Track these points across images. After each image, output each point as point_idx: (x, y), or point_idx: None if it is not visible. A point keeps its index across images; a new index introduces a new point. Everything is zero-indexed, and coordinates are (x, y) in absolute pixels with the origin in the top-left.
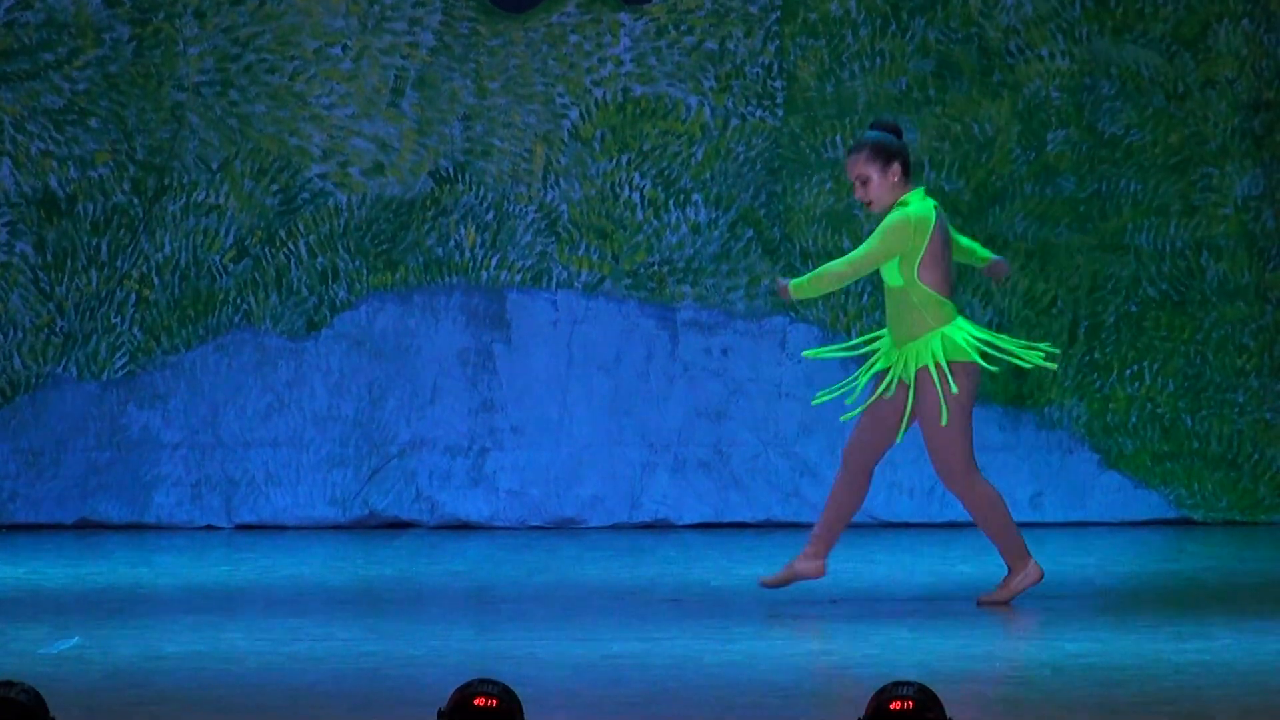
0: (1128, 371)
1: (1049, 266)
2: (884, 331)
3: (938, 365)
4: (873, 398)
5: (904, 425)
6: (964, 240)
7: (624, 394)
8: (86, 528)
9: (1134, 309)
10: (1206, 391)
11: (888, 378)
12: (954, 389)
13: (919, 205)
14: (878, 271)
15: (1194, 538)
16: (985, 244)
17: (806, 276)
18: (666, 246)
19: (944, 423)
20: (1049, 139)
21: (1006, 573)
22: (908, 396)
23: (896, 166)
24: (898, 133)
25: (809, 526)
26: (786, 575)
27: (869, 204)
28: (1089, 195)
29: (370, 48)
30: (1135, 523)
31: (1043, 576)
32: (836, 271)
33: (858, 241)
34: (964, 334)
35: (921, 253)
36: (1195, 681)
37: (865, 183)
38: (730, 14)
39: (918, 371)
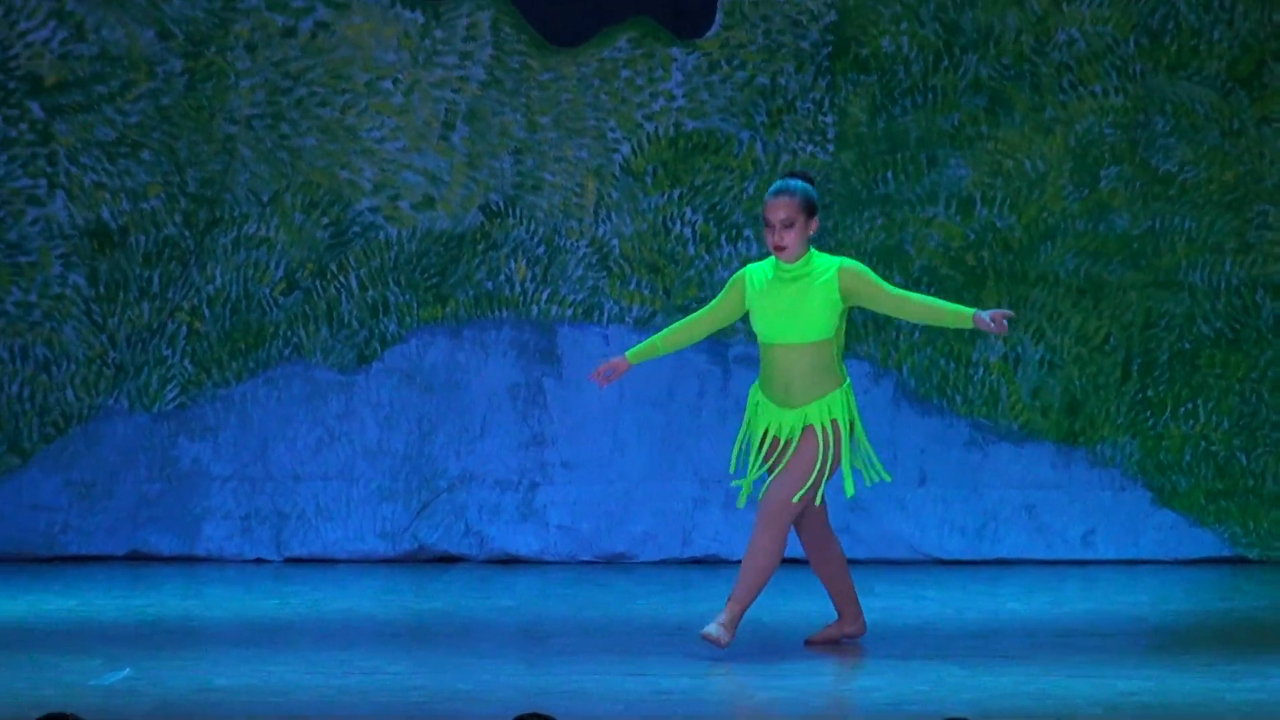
0: (1181, 409)
1: (1102, 303)
2: (760, 400)
3: (835, 426)
4: (780, 465)
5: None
6: None
7: (675, 429)
8: (137, 560)
9: (1188, 346)
10: (1262, 429)
11: (782, 441)
12: (844, 453)
13: None
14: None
15: (1248, 576)
16: (1037, 281)
17: (939, 302)
18: (718, 281)
19: (812, 480)
20: (1102, 175)
21: (727, 613)
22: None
23: (815, 222)
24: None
25: (859, 563)
26: (833, 634)
27: (783, 249)
28: (1142, 232)
29: (421, 81)
30: (1189, 561)
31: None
32: (921, 299)
33: (908, 277)
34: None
35: (848, 304)
36: None
37: (790, 226)
38: (782, 49)
39: (820, 426)
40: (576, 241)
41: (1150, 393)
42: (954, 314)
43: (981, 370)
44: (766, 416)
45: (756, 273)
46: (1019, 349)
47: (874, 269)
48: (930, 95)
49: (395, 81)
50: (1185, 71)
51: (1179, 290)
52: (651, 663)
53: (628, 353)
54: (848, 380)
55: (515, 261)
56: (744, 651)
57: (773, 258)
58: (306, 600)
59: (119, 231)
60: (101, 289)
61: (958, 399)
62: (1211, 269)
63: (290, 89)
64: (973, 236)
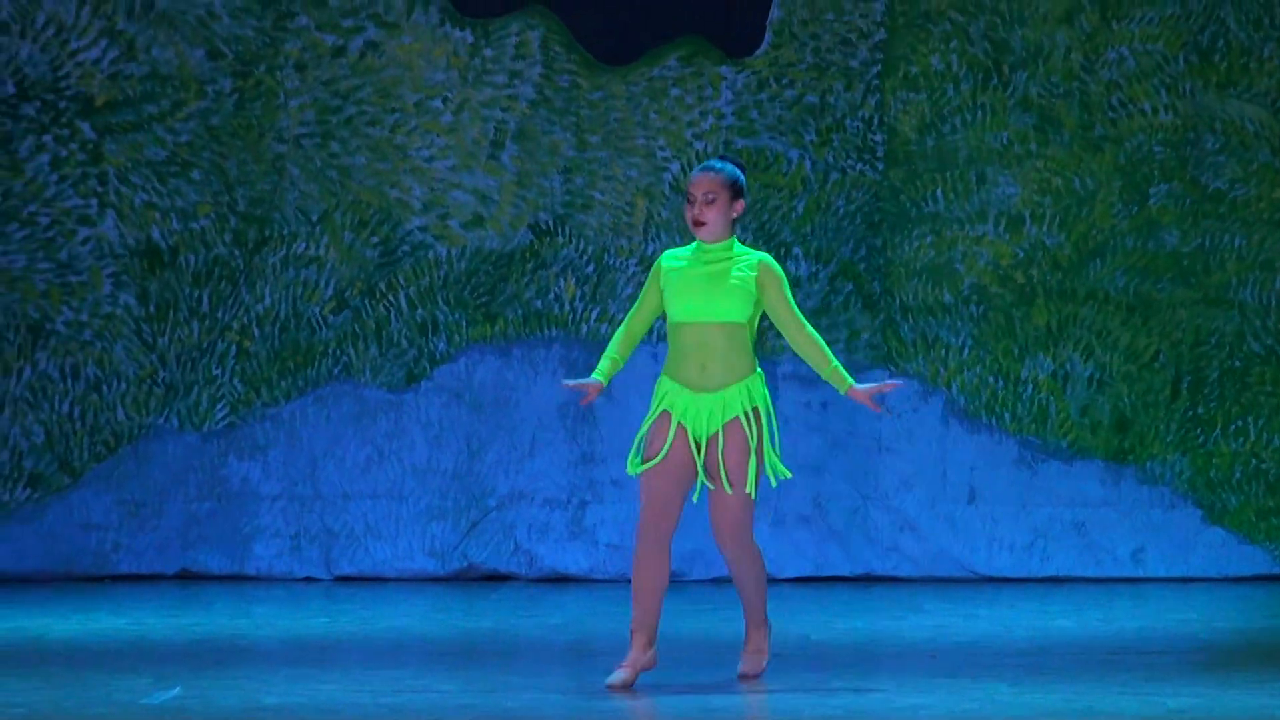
0: (1232, 426)
1: (1151, 321)
2: (671, 388)
3: (757, 413)
4: (720, 474)
5: (721, 474)
6: None
7: None
8: (187, 578)
9: (1238, 364)
10: None
11: (693, 434)
12: (764, 443)
13: None
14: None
15: None
16: (1086, 299)
17: (832, 359)
18: None
19: (754, 474)
20: (1151, 193)
21: (747, 638)
22: (699, 448)
23: (740, 204)
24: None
25: (908, 581)
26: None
27: (701, 224)
28: (1192, 249)
29: (470, 100)
30: (1239, 578)
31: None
32: (818, 340)
33: (957, 295)
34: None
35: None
36: None
37: (711, 202)
38: (831, 68)
39: (743, 413)
40: (626, 260)
41: (1200, 410)
42: (833, 371)
43: (1030, 388)
44: (679, 404)
45: (671, 257)
46: (1068, 366)
47: (924, 287)
48: (979, 113)
49: (445, 100)
50: (1235, 89)
51: (1229, 308)
52: (701, 680)
53: (595, 374)
54: (761, 372)
55: (564, 280)
56: (793, 668)
57: (695, 242)
58: (356, 619)
59: (169, 251)
60: (152, 308)
61: (1007, 417)
62: (1262, 286)
63: (340, 108)
64: (1022, 254)
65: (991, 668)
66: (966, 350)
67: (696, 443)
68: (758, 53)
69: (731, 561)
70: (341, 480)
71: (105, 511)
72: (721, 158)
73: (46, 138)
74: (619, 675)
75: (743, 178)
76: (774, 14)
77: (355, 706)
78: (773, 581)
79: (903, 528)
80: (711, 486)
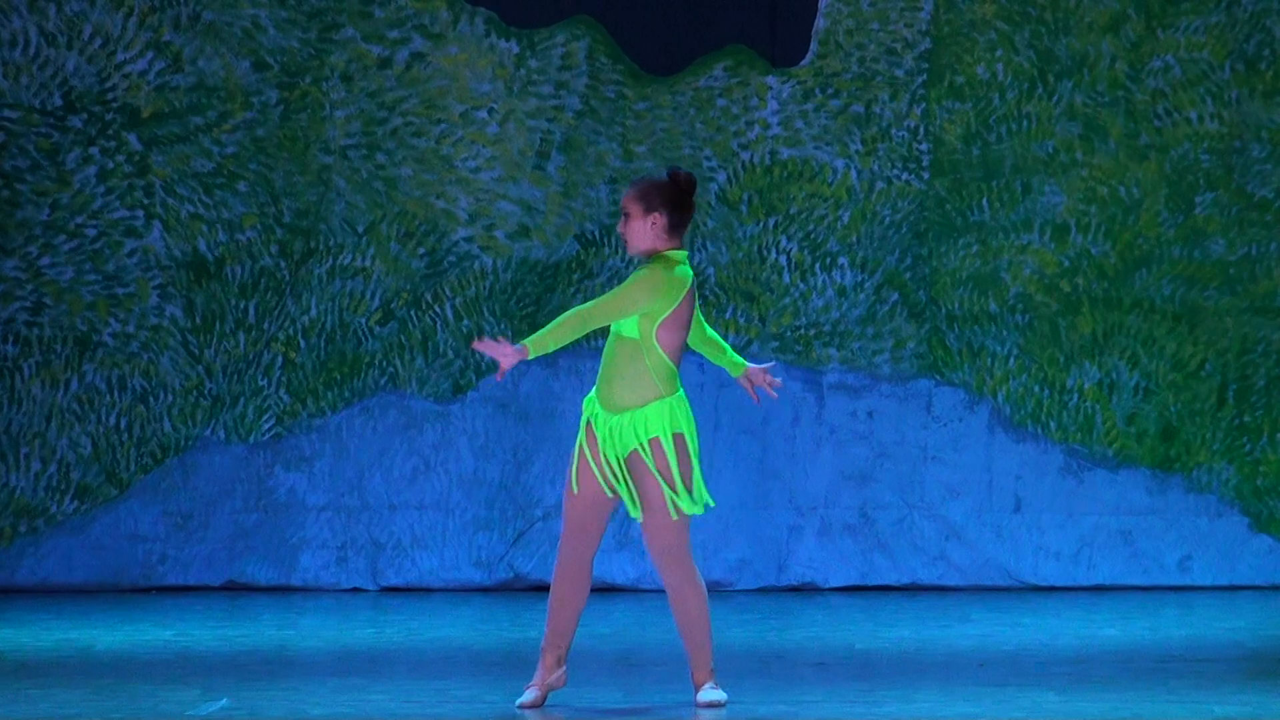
0: (1279, 435)
1: (1197, 330)
2: (590, 400)
3: (674, 436)
4: (632, 503)
5: (631, 500)
6: (710, 330)
7: (770, 457)
8: (234, 590)
9: None
10: None
11: (604, 451)
12: (684, 462)
13: (680, 268)
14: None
15: None
16: (1132, 308)
17: (543, 331)
18: (813, 310)
19: (676, 503)
20: (1197, 201)
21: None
22: (618, 471)
23: (659, 216)
24: (689, 187)
25: (955, 590)
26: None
27: (626, 242)
28: (1239, 258)
29: (516, 111)
30: None
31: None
32: (571, 320)
33: (1003, 304)
34: (687, 407)
35: (666, 314)
36: None
37: (625, 218)
38: (876, 77)
39: (647, 443)
40: None
41: (1247, 418)
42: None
43: (1076, 397)
44: (598, 420)
45: None
46: (1114, 375)
47: (970, 296)
48: (1025, 122)
49: (490, 111)
50: None
51: (1276, 316)
52: (747, 689)
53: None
54: (677, 393)
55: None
56: (839, 677)
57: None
58: (402, 630)
59: (215, 263)
60: (198, 320)
61: (1052, 425)
62: None
63: (386, 119)
64: (1068, 263)
65: (1038, 676)
66: (1012, 359)
67: (616, 460)
68: (803, 62)
69: (667, 589)
70: (388, 491)
71: (152, 523)
72: (669, 171)
73: (93, 149)
74: (529, 695)
75: (665, 184)
76: (819, 24)
77: (402, 717)
78: (819, 590)
79: (949, 536)
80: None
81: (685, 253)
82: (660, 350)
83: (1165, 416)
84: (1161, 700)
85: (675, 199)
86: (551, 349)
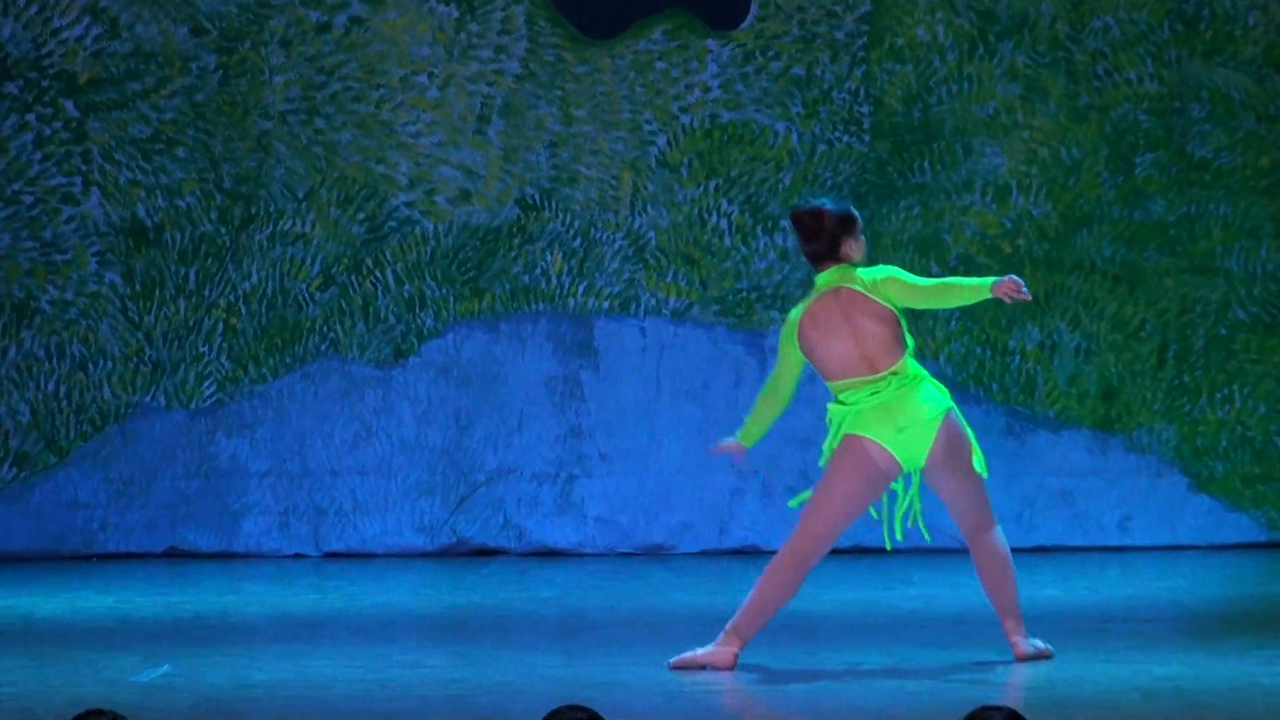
0: (1218, 395)
1: (1138, 290)
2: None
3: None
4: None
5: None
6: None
7: (712, 420)
8: (176, 556)
9: (1224, 332)
10: None
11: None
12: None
13: (797, 307)
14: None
15: None
16: (1073, 269)
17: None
18: (754, 273)
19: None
20: (1137, 162)
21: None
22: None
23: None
24: (793, 220)
25: (897, 552)
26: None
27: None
28: (1178, 218)
29: (456, 75)
30: (1226, 546)
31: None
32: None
33: (945, 266)
34: (844, 412)
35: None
36: None
37: None
38: (817, 40)
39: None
40: (613, 234)
41: (1186, 379)
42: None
43: (1018, 358)
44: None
45: None
46: (1055, 336)
47: (912, 258)
48: (966, 84)
49: (430, 76)
50: (1220, 57)
51: (1215, 276)
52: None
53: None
54: (834, 400)
55: (551, 255)
56: (782, 640)
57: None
58: (345, 595)
59: (154, 229)
60: (138, 286)
61: (994, 387)
62: (1247, 254)
63: (325, 84)
64: (1009, 224)
65: (980, 638)
66: (954, 321)
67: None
68: (743, 25)
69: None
70: (330, 457)
71: (93, 490)
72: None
73: (30, 116)
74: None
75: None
76: None
77: (344, 682)
78: (761, 553)
79: (891, 499)
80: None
81: (821, 275)
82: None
83: (1106, 377)
84: (1102, 660)
85: (800, 236)
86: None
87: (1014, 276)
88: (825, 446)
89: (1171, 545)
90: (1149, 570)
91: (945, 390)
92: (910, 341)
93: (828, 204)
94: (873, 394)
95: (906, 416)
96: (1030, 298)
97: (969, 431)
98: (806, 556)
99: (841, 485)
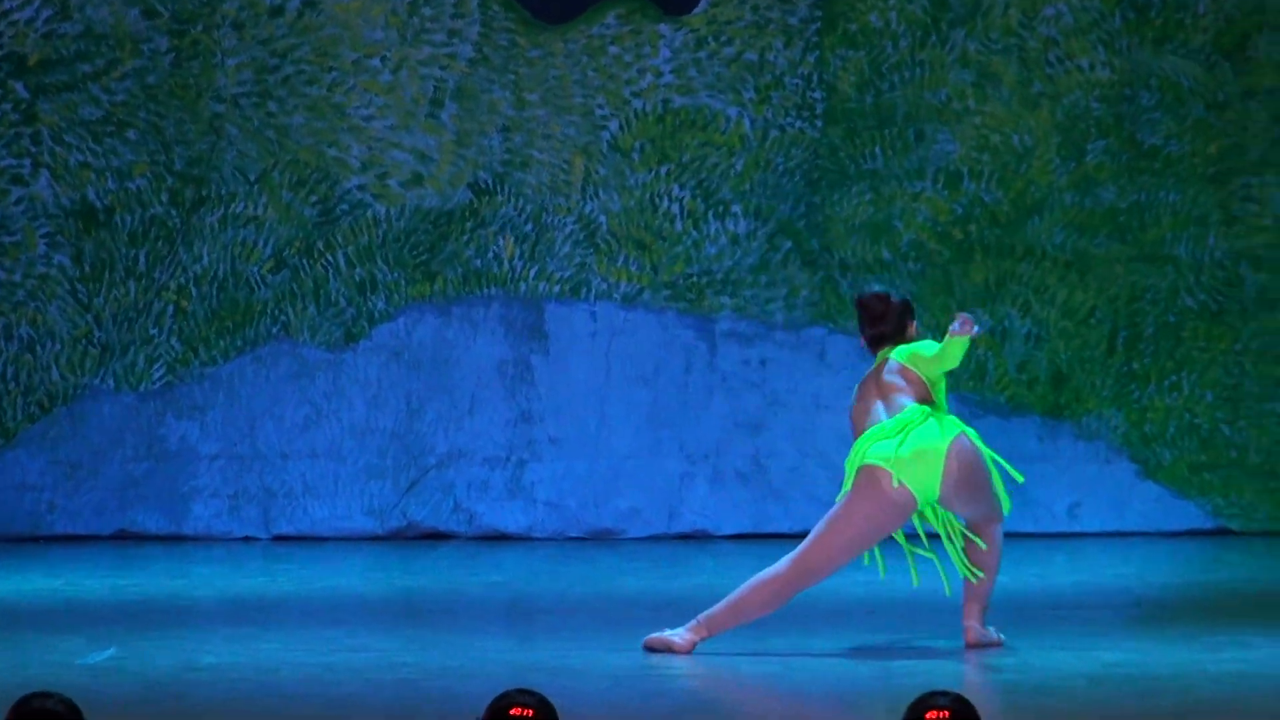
0: (1166, 382)
1: (1088, 277)
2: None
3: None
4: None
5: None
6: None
7: (662, 405)
8: (124, 539)
9: (1173, 319)
10: (1245, 402)
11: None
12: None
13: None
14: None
15: (1232, 548)
16: (1024, 255)
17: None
18: (705, 258)
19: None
20: (1088, 149)
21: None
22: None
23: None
24: (858, 307)
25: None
26: None
27: None
28: (1128, 206)
29: (409, 59)
30: (1173, 533)
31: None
32: None
33: (896, 252)
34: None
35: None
36: (1232, 691)
37: None
38: (770, 25)
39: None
40: (564, 218)
41: (1135, 366)
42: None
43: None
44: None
45: None
46: (1006, 323)
47: (863, 244)
48: (918, 70)
49: (383, 59)
50: (1170, 45)
51: (1164, 263)
52: (639, 638)
53: None
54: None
55: (504, 239)
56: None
57: None
58: (294, 578)
59: (105, 211)
60: (87, 268)
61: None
62: (1196, 242)
63: (278, 67)
64: (960, 211)
65: (929, 623)
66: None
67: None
68: (696, 10)
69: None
70: (280, 440)
71: (40, 472)
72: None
73: None
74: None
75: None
76: None
77: (293, 665)
78: (710, 538)
79: (835, 483)
80: None
81: (880, 353)
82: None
83: (1056, 363)
84: (1050, 647)
85: (862, 319)
86: None
87: (961, 315)
88: (845, 476)
89: (1120, 532)
90: (1097, 557)
91: (966, 426)
92: (941, 401)
93: (888, 290)
94: (884, 426)
95: (915, 441)
96: (979, 330)
97: (988, 461)
98: (806, 578)
99: (861, 509)
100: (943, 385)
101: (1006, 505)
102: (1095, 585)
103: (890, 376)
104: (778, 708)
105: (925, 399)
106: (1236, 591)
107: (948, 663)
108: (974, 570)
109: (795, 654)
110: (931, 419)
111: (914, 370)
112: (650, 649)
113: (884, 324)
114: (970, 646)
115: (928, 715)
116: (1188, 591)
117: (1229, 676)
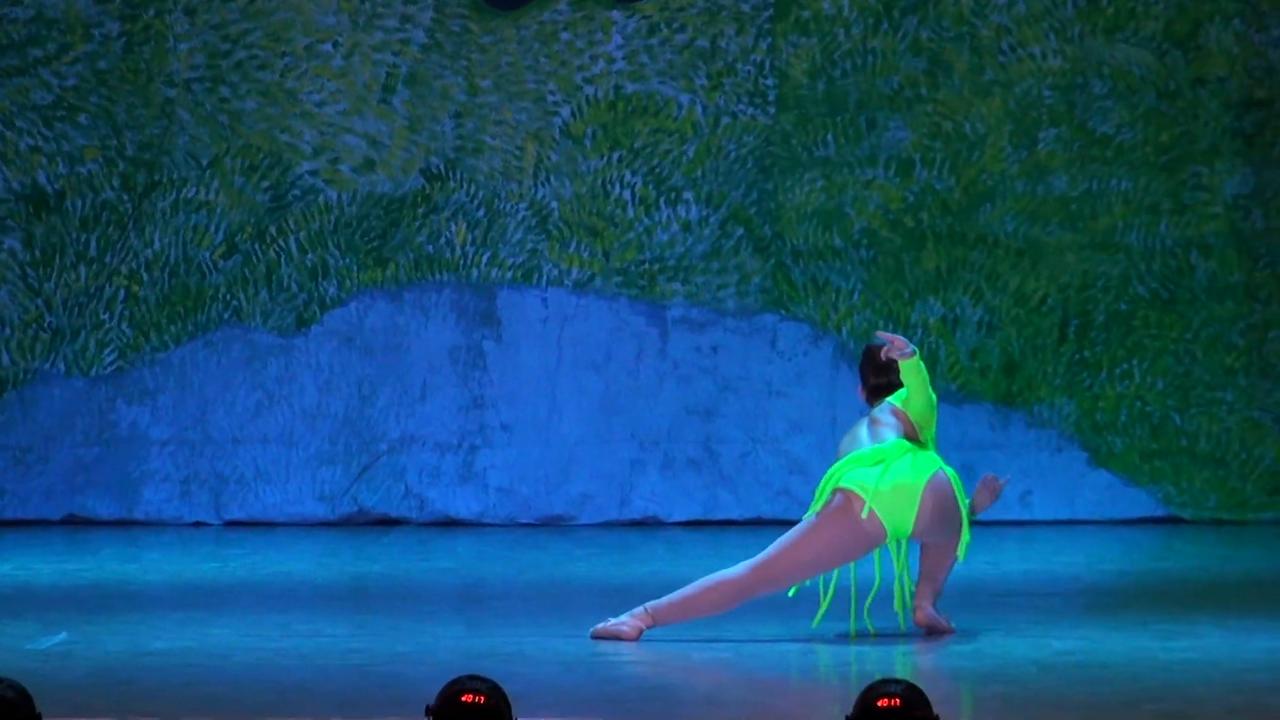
0: (1117, 370)
1: (1039, 265)
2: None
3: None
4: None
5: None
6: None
7: (614, 391)
8: (75, 524)
9: (1124, 307)
10: (1195, 390)
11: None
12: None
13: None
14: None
15: (1182, 536)
16: (975, 243)
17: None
18: (657, 244)
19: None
20: (1040, 137)
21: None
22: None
23: (861, 383)
24: (868, 354)
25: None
26: None
27: None
28: (1080, 194)
29: (361, 44)
30: (1124, 521)
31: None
32: None
33: (848, 239)
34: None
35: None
36: (1182, 679)
37: None
38: (722, 11)
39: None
40: (516, 204)
41: (1087, 354)
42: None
43: (920, 331)
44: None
45: None
46: (957, 310)
47: (815, 231)
48: (870, 58)
49: (335, 45)
50: (1122, 34)
51: (1115, 251)
52: (590, 624)
53: None
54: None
55: (456, 224)
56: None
57: None
58: (245, 564)
59: (55, 195)
60: (38, 253)
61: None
62: (1147, 230)
63: (230, 52)
64: (912, 199)
65: (879, 611)
66: (857, 294)
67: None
68: None
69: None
70: (231, 425)
71: None
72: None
73: None
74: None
75: (864, 357)
76: None
77: (244, 651)
78: (662, 525)
79: (793, 471)
80: None
81: (878, 406)
82: None
83: (1008, 351)
84: (1001, 634)
85: (865, 367)
86: None
87: (894, 340)
88: (816, 494)
89: (1070, 520)
90: (1048, 544)
91: (945, 465)
92: (930, 444)
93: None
94: (862, 453)
95: (894, 475)
96: (911, 352)
97: (964, 508)
98: (762, 586)
99: (828, 531)
100: (933, 429)
101: (968, 537)
102: (1046, 573)
103: (881, 414)
104: (729, 694)
105: (911, 438)
106: (1187, 579)
107: (899, 650)
108: (910, 609)
109: (747, 640)
110: (909, 454)
111: (904, 411)
112: (598, 639)
113: (888, 374)
114: (919, 625)
115: (879, 703)
116: (1137, 579)
117: (1179, 664)
